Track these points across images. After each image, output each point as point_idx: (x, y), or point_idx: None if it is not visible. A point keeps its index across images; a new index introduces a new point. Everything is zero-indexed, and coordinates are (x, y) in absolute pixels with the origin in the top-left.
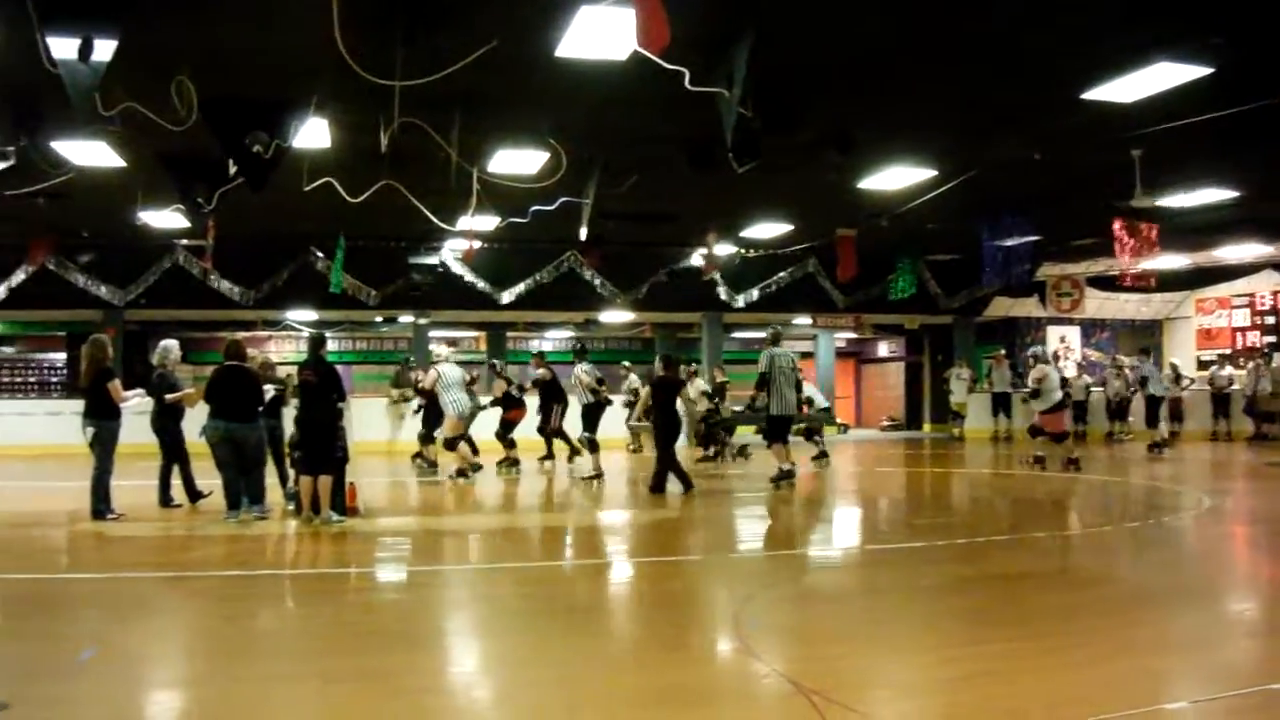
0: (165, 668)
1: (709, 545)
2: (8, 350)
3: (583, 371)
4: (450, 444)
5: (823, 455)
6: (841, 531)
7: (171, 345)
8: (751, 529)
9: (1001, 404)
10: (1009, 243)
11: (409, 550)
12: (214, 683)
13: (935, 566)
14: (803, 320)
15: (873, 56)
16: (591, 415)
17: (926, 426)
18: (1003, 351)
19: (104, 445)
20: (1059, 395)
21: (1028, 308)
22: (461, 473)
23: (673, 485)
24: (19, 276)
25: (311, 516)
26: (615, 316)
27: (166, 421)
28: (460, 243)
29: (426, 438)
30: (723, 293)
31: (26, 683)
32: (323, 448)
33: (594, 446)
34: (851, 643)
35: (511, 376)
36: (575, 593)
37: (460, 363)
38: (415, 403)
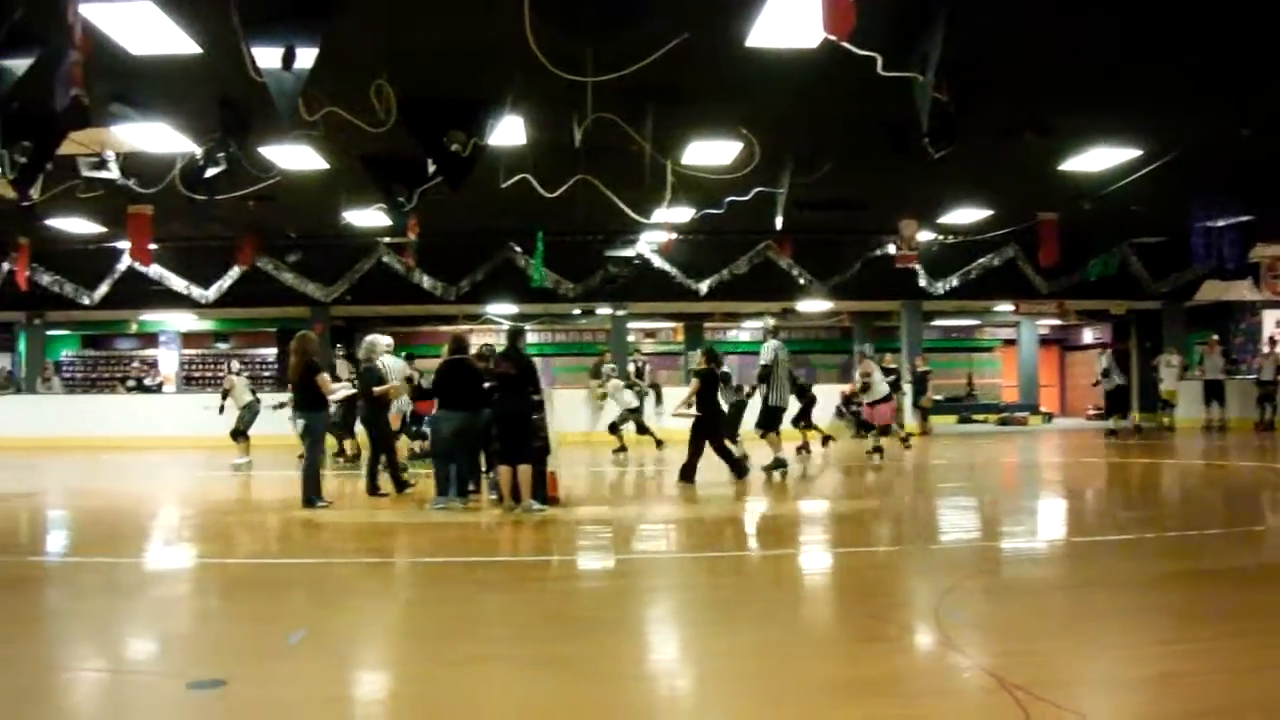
0: (370, 649)
1: (907, 536)
2: (222, 346)
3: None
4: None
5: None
6: (1045, 523)
7: (378, 340)
8: (951, 519)
9: (1214, 392)
10: (1219, 223)
11: (608, 539)
12: (417, 665)
13: (1142, 560)
14: (1004, 307)
15: (1070, 32)
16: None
17: (1135, 415)
18: (1215, 337)
19: (314, 436)
20: (884, 390)
21: (1241, 291)
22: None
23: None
24: (232, 276)
25: (512, 505)
26: (812, 306)
27: (375, 414)
28: (657, 235)
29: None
30: (922, 280)
31: (241, 661)
32: (521, 438)
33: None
34: (1056, 637)
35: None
36: (772, 582)
37: (657, 354)
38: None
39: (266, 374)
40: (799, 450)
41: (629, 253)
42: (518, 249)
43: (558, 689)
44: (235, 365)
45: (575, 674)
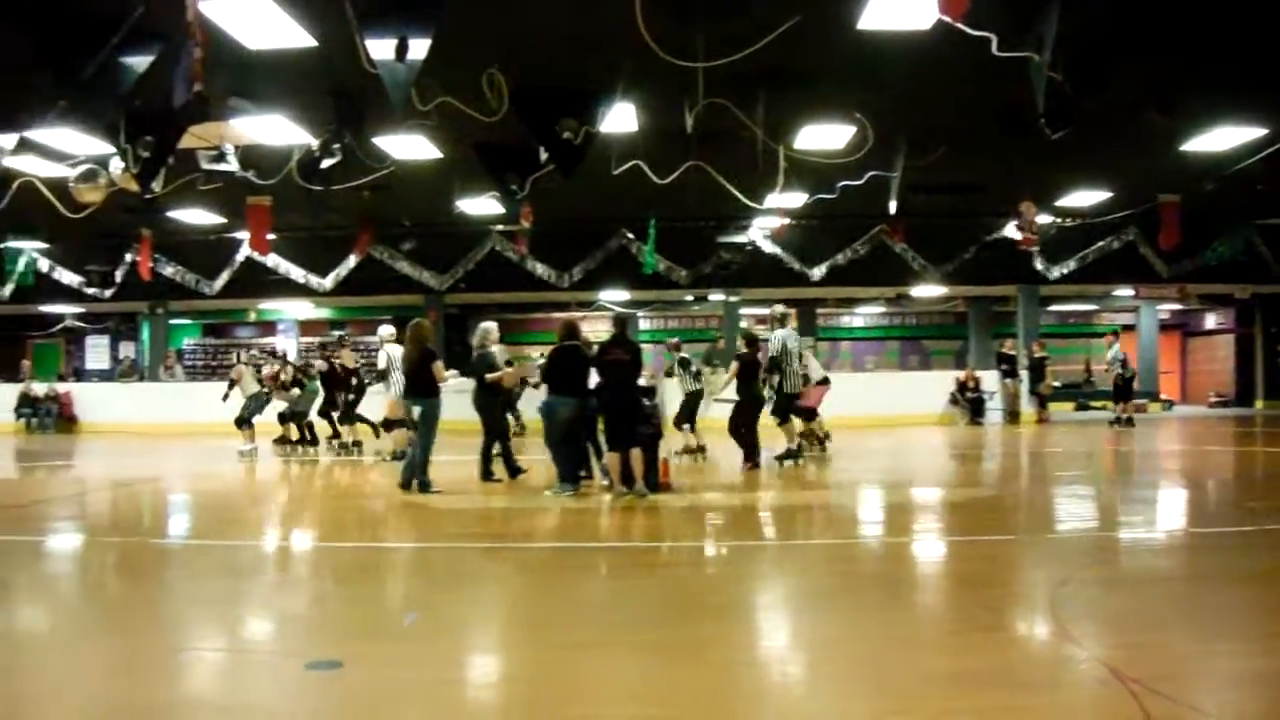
0: (483, 633)
1: (1022, 525)
2: (339, 334)
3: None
4: (388, 425)
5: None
6: (1164, 513)
7: (491, 327)
8: (1068, 509)
9: None
10: None
11: (720, 524)
12: (529, 649)
13: (1266, 553)
14: (1124, 292)
15: (1192, 7)
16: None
17: (1259, 403)
18: None
19: (428, 423)
20: (821, 373)
21: None
22: (399, 455)
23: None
24: (348, 264)
25: (623, 491)
26: (926, 291)
27: (487, 400)
28: (769, 220)
29: (343, 419)
30: (1038, 264)
31: (357, 642)
32: (631, 424)
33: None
34: (1173, 630)
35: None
36: (886, 570)
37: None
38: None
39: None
40: (819, 440)
41: (741, 238)
42: (630, 235)
43: (669, 675)
44: (243, 355)
45: (686, 660)
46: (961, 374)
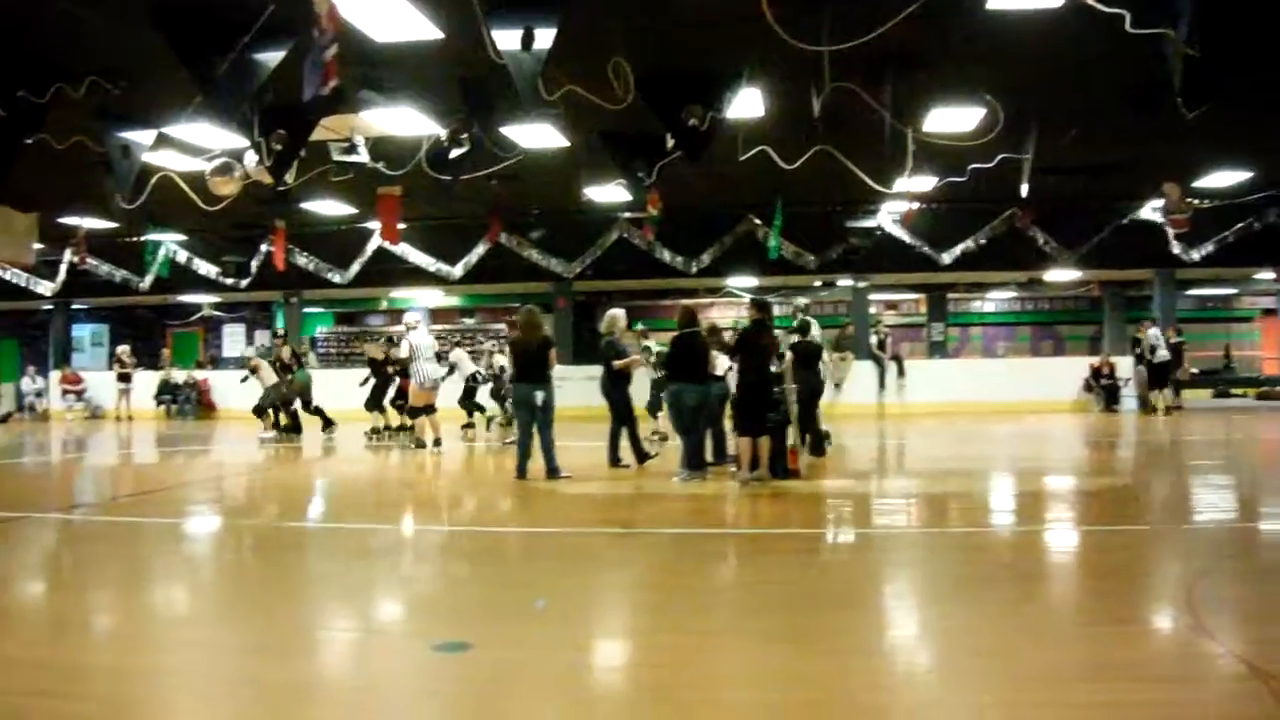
0: (611, 618)
1: (1159, 515)
2: (468, 321)
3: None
4: (414, 413)
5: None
6: None
7: (619, 314)
8: (1206, 499)
9: None
10: None
11: (848, 512)
12: (656, 635)
13: None
14: (1265, 275)
15: None
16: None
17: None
18: None
19: (549, 410)
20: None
21: None
22: (420, 444)
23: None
24: (477, 252)
25: (751, 478)
26: (1060, 275)
27: (616, 386)
28: (898, 204)
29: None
30: (1175, 247)
31: (487, 625)
32: (760, 410)
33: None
34: None
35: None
36: (1018, 560)
37: (900, 326)
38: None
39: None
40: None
41: (870, 223)
42: (757, 221)
43: (794, 663)
44: (257, 346)
45: (812, 648)
46: (1096, 360)
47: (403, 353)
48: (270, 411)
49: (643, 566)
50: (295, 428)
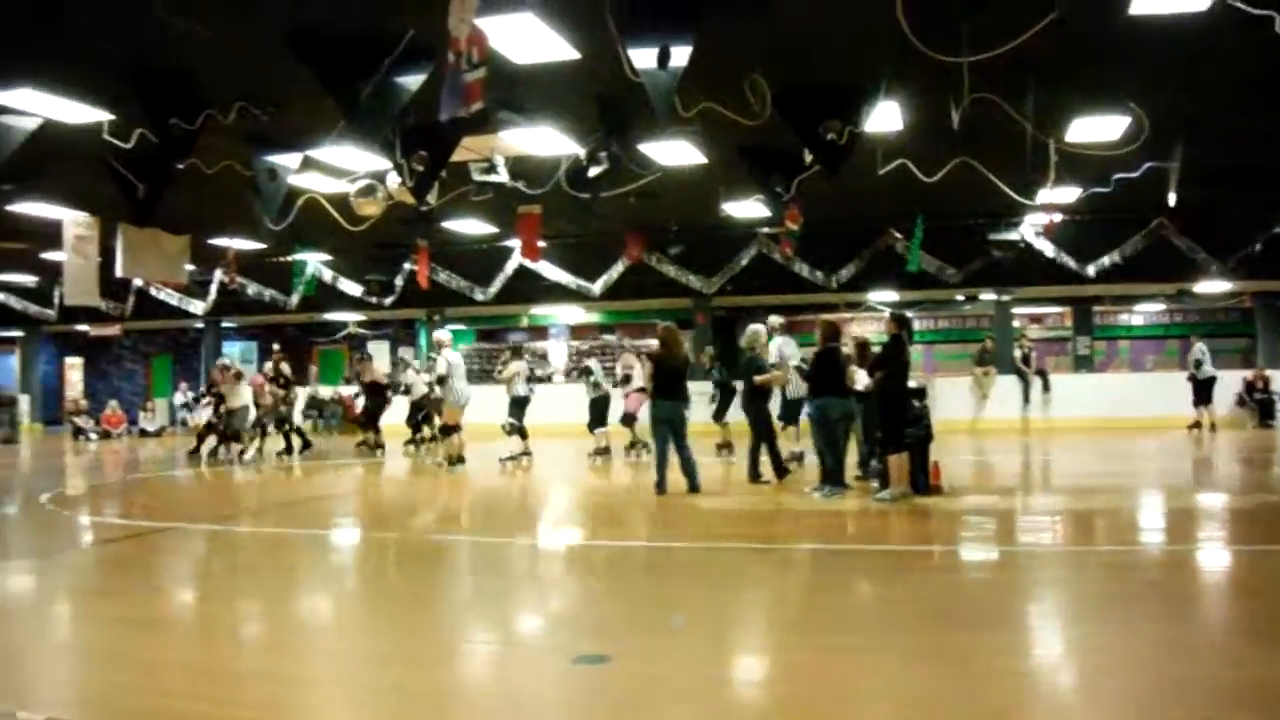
0: (750, 634)
1: None
2: (608, 338)
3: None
4: (446, 431)
5: None
6: None
7: (760, 329)
8: None
9: None
10: None
11: (992, 529)
12: (796, 652)
13: None
14: None
15: None
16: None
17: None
18: None
19: (685, 424)
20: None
21: None
22: (456, 460)
23: None
24: (617, 269)
25: (895, 493)
26: (1211, 287)
27: (756, 402)
28: (1041, 216)
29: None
30: None
31: (625, 639)
32: (900, 425)
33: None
34: None
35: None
36: (1164, 578)
37: (1044, 340)
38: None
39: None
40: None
41: (1012, 236)
42: (898, 235)
43: (936, 682)
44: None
45: (955, 667)
46: (1249, 374)
47: (440, 369)
48: (257, 432)
49: (782, 582)
50: (306, 444)
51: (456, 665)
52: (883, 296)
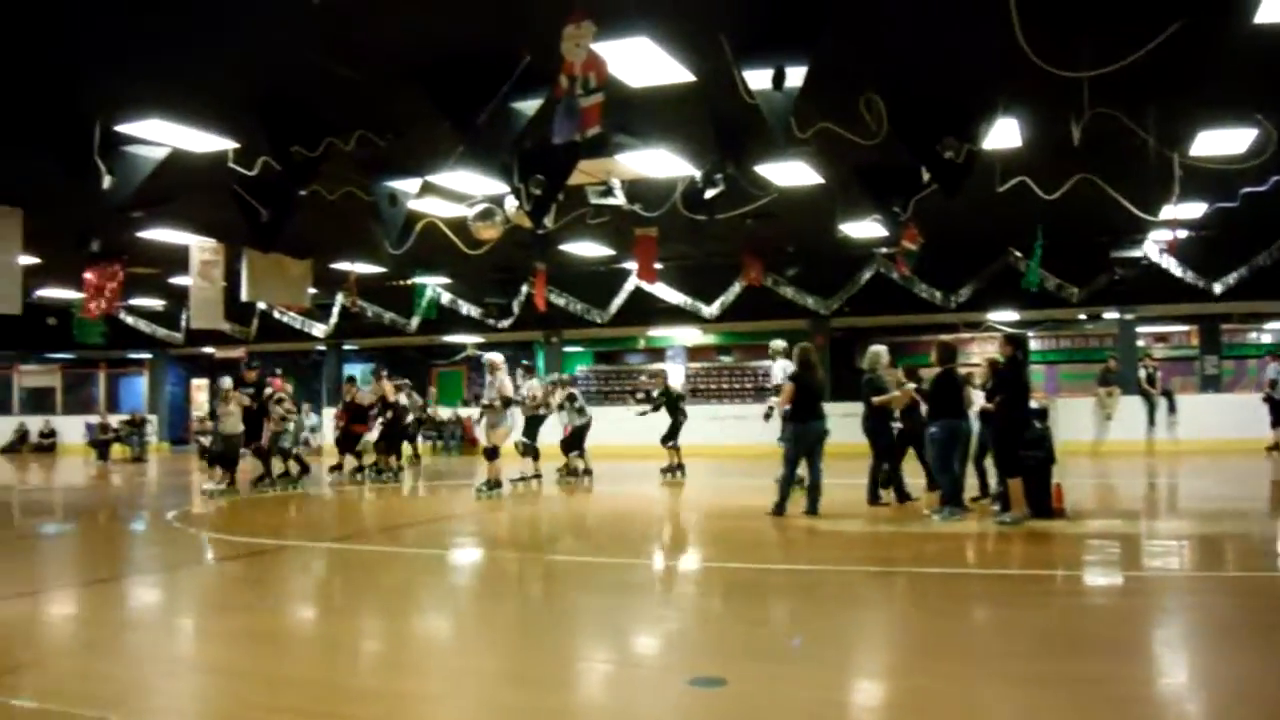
0: (868, 658)
1: None
2: (726, 359)
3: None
4: (490, 454)
5: None
6: None
7: (881, 350)
8: None
9: None
10: None
11: (1116, 553)
12: (915, 677)
13: None
14: None
15: None
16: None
17: None
18: None
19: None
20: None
21: None
22: (494, 485)
23: None
24: (733, 291)
25: (1019, 517)
26: None
27: (877, 423)
28: (1164, 232)
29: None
30: None
31: (743, 662)
32: (1019, 448)
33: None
34: None
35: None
36: None
37: (1170, 360)
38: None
39: (768, 386)
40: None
41: (1135, 253)
42: (1017, 254)
43: (1060, 711)
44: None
45: (1078, 695)
46: None
47: (509, 390)
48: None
49: (901, 606)
50: (304, 468)
51: (572, 684)
52: (1002, 316)
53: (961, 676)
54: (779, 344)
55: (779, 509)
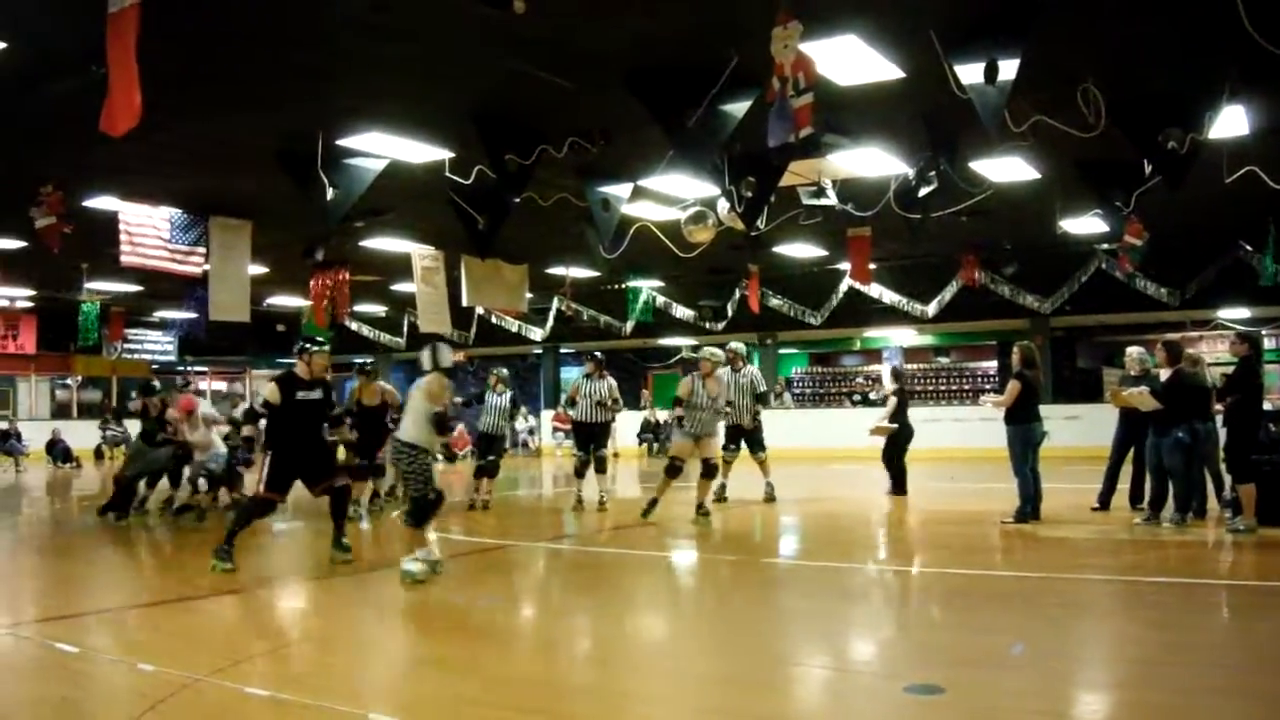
0: (1089, 669)
1: None
2: (944, 360)
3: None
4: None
5: None
6: None
7: (1139, 353)
8: None
9: None
10: None
11: None
12: (1141, 690)
13: None
14: None
15: None
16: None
17: None
18: None
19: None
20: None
21: None
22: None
23: None
24: (949, 290)
25: (1250, 525)
26: None
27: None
28: None
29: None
30: None
31: (960, 669)
32: (1249, 453)
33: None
34: None
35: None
36: None
37: None
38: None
39: (987, 386)
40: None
41: None
42: (1248, 247)
43: None
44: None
45: None
46: None
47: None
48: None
49: (1128, 616)
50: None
51: (786, 688)
52: (1234, 314)
53: (1195, 692)
54: (738, 346)
55: (1037, 514)
